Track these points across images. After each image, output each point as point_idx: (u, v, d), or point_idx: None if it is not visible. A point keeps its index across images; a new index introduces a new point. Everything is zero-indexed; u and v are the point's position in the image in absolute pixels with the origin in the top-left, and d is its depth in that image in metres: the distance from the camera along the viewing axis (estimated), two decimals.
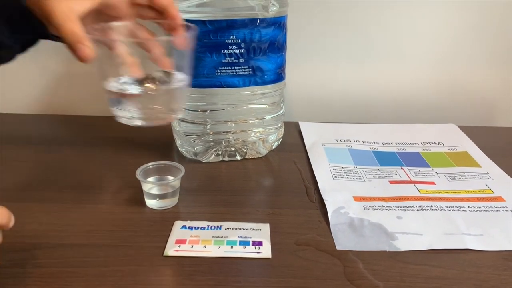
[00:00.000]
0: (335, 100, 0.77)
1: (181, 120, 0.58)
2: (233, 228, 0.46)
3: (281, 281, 0.39)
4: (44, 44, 0.72)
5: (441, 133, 0.71)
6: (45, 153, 0.62)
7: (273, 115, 0.59)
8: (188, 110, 0.57)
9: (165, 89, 0.42)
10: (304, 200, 0.53)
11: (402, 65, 0.76)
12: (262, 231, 0.46)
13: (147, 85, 0.41)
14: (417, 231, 0.47)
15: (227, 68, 0.53)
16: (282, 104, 0.61)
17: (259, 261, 0.42)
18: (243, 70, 0.54)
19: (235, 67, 0.53)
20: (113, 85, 0.41)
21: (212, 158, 0.60)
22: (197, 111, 0.57)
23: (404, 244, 0.45)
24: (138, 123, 0.41)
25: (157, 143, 0.65)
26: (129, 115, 0.41)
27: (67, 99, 0.77)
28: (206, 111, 0.57)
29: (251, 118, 0.57)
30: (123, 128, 0.70)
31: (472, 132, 0.71)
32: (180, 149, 0.61)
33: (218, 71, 0.53)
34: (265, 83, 0.56)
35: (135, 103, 0.41)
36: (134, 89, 0.41)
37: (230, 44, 0.52)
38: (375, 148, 0.66)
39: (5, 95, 0.75)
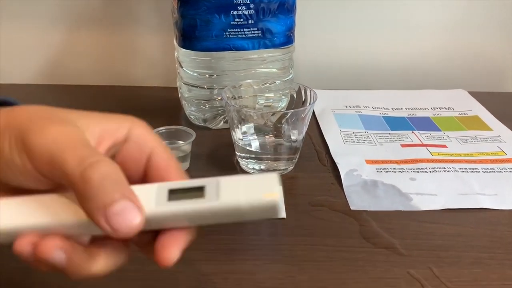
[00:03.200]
0: (344, 67, 0.76)
1: (189, 85, 0.57)
2: None
3: (297, 239, 0.39)
4: (46, 14, 0.71)
5: (451, 98, 0.70)
6: None
7: (282, 80, 0.58)
8: (195, 74, 0.56)
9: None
10: (315, 163, 0.52)
11: (411, 32, 0.74)
12: None
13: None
14: (431, 191, 0.47)
15: (236, 30, 0.52)
16: (291, 69, 0.60)
17: (274, 221, 0.41)
18: (252, 32, 0.53)
19: (244, 29, 0.52)
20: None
21: (221, 125, 0.59)
22: (205, 75, 0.56)
23: (419, 204, 0.45)
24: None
25: (164, 110, 0.64)
26: None
27: (70, 69, 0.75)
28: (213, 75, 0.56)
29: (259, 84, 0.56)
30: (129, 96, 0.70)
31: (481, 97, 0.70)
32: (188, 116, 0.60)
33: (227, 33, 0.52)
34: (274, 46, 0.55)
35: None
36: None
37: (239, 4, 0.51)
38: (385, 114, 0.65)
39: (8, 66, 0.74)
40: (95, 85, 0.74)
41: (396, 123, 0.62)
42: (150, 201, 0.22)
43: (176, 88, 0.63)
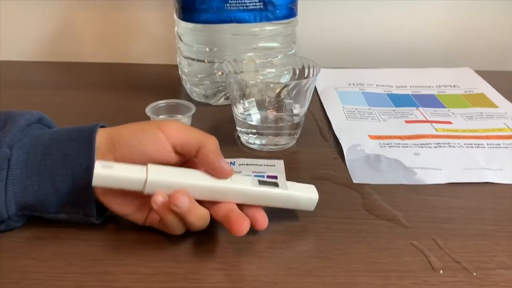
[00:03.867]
0: (348, 45, 0.75)
1: (189, 59, 0.56)
2: (247, 164, 0.45)
3: (298, 211, 0.38)
4: None
5: (456, 77, 0.69)
6: (49, 97, 0.60)
7: (285, 55, 0.56)
8: (194, 47, 0.55)
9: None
10: (318, 139, 0.51)
11: (417, 10, 0.73)
12: (276, 167, 0.45)
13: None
14: (436, 166, 0.46)
15: (237, 1, 0.51)
16: (293, 44, 0.58)
17: None
18: (254, 4, 0.51)
19: (246, 1, 0.51)
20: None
21: (221, 101, 0.58)
22: (205, 49, 0.55)
23: (423, 178, 0.44)
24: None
25: (165, 87, 0.63)
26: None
27: (69, 46, 0.74)
28: (213, 49, 0.54)
29: (261, 58, 0.55)
30: (128, 74, 0.69)
31: (487, 75, 0.69)
32: (189, 92, 0.59)
33: (228, 5, 0.51)
34: (276, 18, 0.53)
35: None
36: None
37: None
38: (389, 91, 0.64)
39: (6, 43, 0.73)
40: (94, 62, 0.73)
41: (400, 100, 0.61)
42: (248, 184, 0.35)
43: (177, 65, 0.62)
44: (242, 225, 0.32)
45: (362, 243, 0.35)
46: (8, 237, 0.34)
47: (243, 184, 0.35)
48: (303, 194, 0.36)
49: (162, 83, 0.65)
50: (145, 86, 0.64)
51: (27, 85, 0.64)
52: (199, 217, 0.33)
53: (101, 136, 0.34)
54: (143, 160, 0.34)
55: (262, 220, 0.35)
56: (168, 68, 0.69)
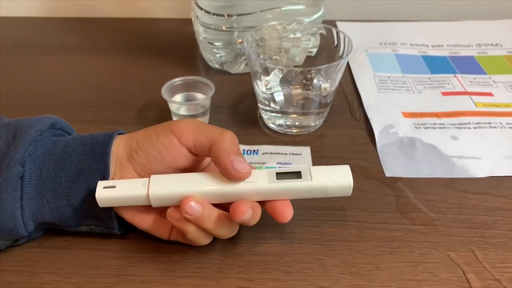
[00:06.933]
0: None
1: (205, 26, 0.51)
2: (271, 153, 0.42)
3: (326, 214, 0.36)
4: None
5: (499, 32, 0.62)
6: (54, 64, 0.56)
7: (312, 18, 0.51)
8: (213, 15, 0.50)
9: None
10: (347, 118, 0.48)
11: None
12: (302, 156, 0.42)
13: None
14: (475, 154, 0.42)
15: None
16: (321, 3, 0.52)
17: None
18: None
19: None
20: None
21: (241, 68, 0.54)
22: (223, 15, 0.49)
23: (461, 170, 0.41)
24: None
25: (179, 50, 0.59)
26: None
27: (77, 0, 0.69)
28: (233, 16, 0.49)
29: (284, 25, 0.49)
30: (140, 31, 0.64)
31: None
32: (205, 59, 0.55)
33: None
34: None
35: None
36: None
37: None
38: (424, 52, 0.58)
39: None
40: (101, 17, 0.67)
41: (436, 65, 0.56)
42: (264, 180, 0.31)
43: (191, 19, 0.57)
44: (238, 210, 0.30)
45: (395, 255, 0.33)
46: (27, 247, 0.33)
47: (257, 183, 0.31)
48: (333, 182, 0.31)
49: (177, 44, 0.60)
50: (159, 47, 0.60)
51: (32, 49, 0.60)
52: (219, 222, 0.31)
53: (119, 145, 0.33)
54: (162, 168, 0.32)
55: (281, 211, 0.31)
56: (183, 24, 0.63)
